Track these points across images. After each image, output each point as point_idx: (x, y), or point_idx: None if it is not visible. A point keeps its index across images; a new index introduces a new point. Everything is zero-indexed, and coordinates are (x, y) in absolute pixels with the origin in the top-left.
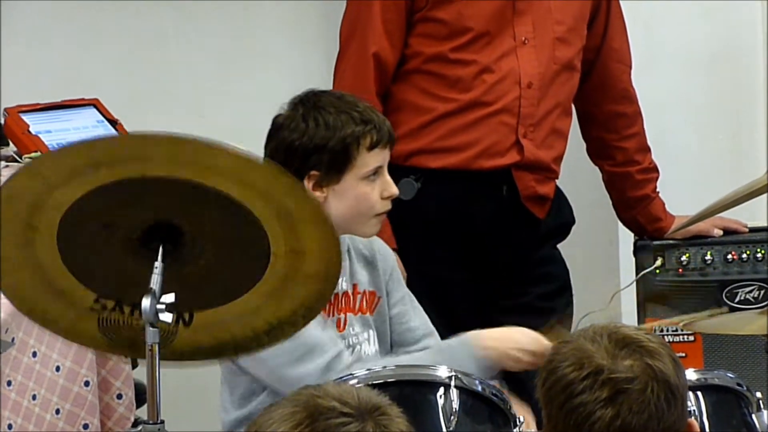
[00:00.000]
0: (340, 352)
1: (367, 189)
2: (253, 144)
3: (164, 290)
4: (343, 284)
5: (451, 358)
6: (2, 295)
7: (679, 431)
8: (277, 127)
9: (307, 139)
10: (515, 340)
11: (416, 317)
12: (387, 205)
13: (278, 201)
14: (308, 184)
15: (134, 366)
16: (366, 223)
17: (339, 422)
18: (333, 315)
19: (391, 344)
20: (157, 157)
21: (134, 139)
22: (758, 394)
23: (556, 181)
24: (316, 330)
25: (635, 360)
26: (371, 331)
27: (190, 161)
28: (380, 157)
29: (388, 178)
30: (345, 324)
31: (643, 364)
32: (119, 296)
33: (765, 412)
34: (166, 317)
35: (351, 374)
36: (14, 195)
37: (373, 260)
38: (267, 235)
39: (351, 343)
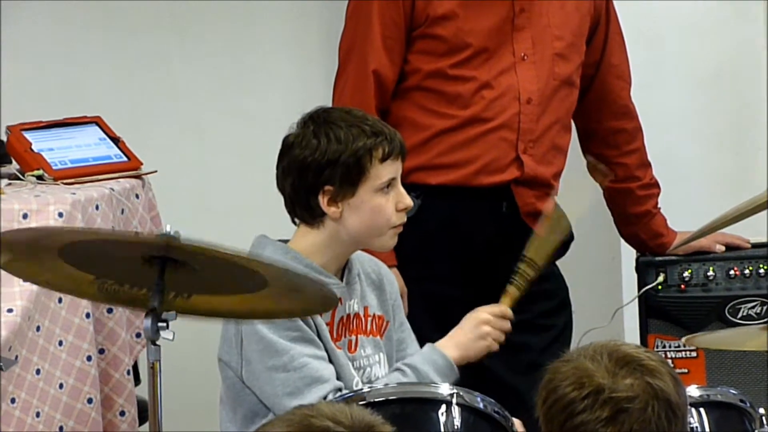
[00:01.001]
0: (338, 388)
1: (381, 201)
2: (253, 161)
3: (164, 286)
4: (355, 306)
5: (436, 369)
6: (5, 314)
7: None
8: (288, 145)
9: (320, 154)
10: (470, 324)
11: (411, 344)
12: (402, 218)
13: (273, 268)
14: (323, 200)
15: (137, 383)
16: (383, 236)
17: None
18: (345, 336)
19: None
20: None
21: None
22: (761, 410)
23: (556, 197)
24: (320, 363)
25: (636, 379)
26: (382, 354)
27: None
28: (393, 169)
29: (402, 189)
30: (356, 346)
31: (644, 382)
32: (119, 280)
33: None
34: (168, 335)
35: (354, 391)
36: (8, 240)
37: (381, 285)
38: (265, 277)
39: (362, 365)
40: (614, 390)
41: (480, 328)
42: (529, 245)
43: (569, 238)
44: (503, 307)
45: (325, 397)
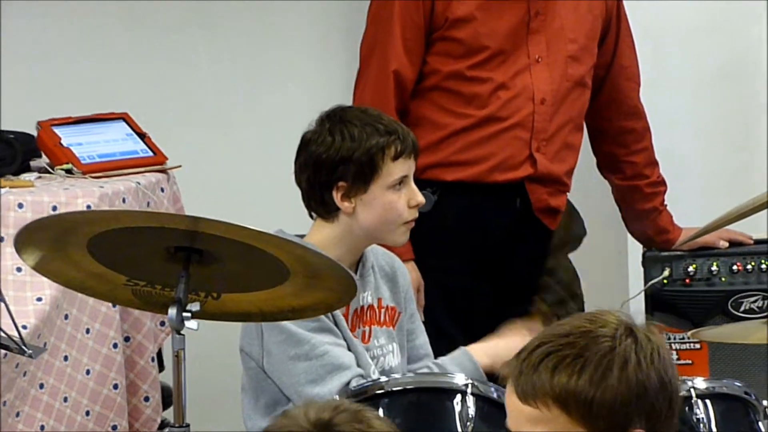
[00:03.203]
0: (359, 374)
1: (393, 197)
2: (277, 154)
3: (191, 282)
4: (369, 298)
5: (463, 372)
6: (34, 303)
7: None
8: (306, 142)
9: (334, 151)
10: (506, 348)
11: (421, 335)
12: (414, 214)
13: (291, 251)
14: (337, 196)
15: (161, 370)
16: (395, 231)
17: None
18: (359, 327)
19: None
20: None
21: (154, 215)
22: (765, 402)
23: (568, 194)
24: (341, 350)
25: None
26: (395, 344)
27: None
28: (405, 167)
29: (414, 187)
30: (370, 336)
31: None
32: (150, 280)
33: None
34: (192, 324)
35: (373, 381)
36: (42, 227)
37: (394, 277)
38: (285, 264)
39: (375, 354)
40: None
41: (517, 344)
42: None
43: (581, 234)
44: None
45: (347, 383)
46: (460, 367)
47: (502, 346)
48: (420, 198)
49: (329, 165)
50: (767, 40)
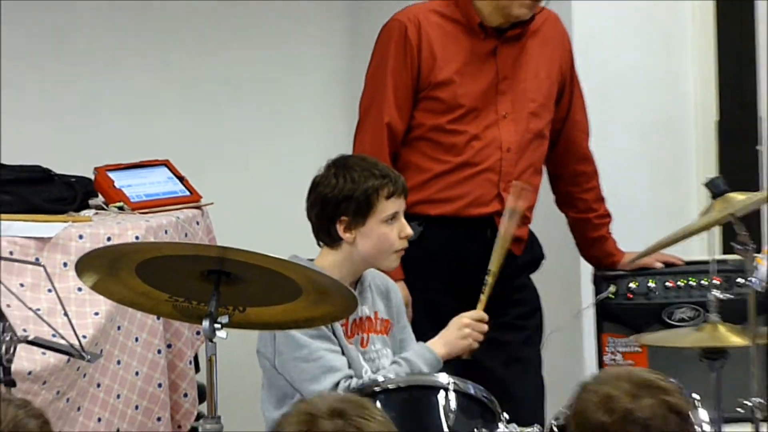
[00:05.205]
0: (349, 375)
1: (386, 230)
2: (289, 190)
3: (221, 299)
4: (366, 310)
5: (425, 362)
6: (92, 316)
7: None
8: (315, 184)
9: (337, 191)
10: (455, 327)
11: (411, 343)
12: (404, 243)
13: (303, 273)
14: (340, 228)
15: (197, 371)
16: (387, 258)
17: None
18: (357, 334)
19: None
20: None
21: (190, 245)
22: (695, 396)
23: (530, 225)
24: (334, 355)
25: (654, 399)
26: (389, 349)
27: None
28: (396, 204)
29: (404, 221)
30: (367, 342)
31: (660, 401)
32: (188, 296)
33: (701, 410)
34: (222, 334)
35: (371, 380)
36: (98, 255)
37: (387, 294)
38: (298, 284)
39: (372, 357)
40: (639, 410)
41: (462, 330)
42: (491, 261)
43: (540, 257)
44: (481, 312)
45: (337, 383)
46: (422, 359)
47: (452, 333)
48: (409, 230)
49: (334, 203)
50: (693, 95)
